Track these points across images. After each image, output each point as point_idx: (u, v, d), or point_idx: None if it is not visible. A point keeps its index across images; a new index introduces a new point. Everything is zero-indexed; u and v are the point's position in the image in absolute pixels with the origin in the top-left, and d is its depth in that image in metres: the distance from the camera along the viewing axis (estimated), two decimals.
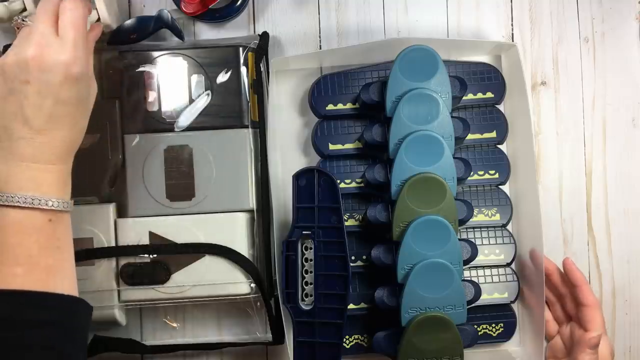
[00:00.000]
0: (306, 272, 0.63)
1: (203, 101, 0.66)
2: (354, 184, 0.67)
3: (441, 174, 0.60)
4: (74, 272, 0.51)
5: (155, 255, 0.64)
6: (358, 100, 0.66)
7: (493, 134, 0.68)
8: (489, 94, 0.68)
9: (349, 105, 0.67)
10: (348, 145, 0.67)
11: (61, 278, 0.49)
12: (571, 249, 0.70)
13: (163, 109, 0.66)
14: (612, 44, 0.70)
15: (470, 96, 0.67)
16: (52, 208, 0.48)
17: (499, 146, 0.68)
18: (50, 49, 0.47)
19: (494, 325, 0.67)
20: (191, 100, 0.66)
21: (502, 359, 0.68)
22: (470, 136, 0.67)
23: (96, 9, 0.63)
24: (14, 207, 0.46)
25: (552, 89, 0.70)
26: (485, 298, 0.66)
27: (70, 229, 0.51)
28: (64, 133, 0.49)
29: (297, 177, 0.63)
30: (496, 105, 0.68)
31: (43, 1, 0.50)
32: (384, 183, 0.62)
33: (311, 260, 0.63)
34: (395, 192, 0.61)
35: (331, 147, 0.67)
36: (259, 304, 0.67)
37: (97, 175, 0.66)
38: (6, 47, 0.67)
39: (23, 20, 0.55)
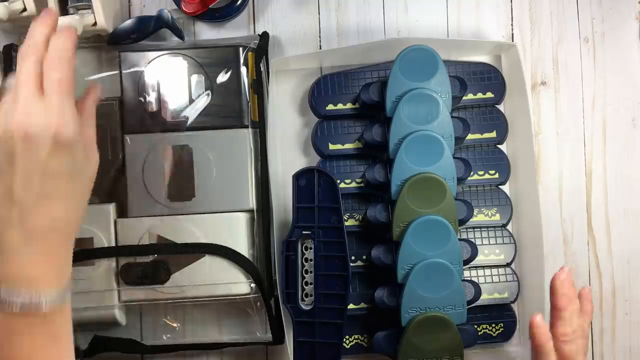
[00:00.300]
0: (306, 272, 0.63)
1: (203, 101, 0.66)
2: (354, 184, 0.67)
3: (441, 174, 0.60)
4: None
5: (155, 255, 0.64)
6: (358, 100, 0.66)
7: (493, 134, 0.68)
8: (489, 94, 0.68)
9: (349, 105, 0.67)
10: (348, 145, 0.67)
11: None
12: (571, 249, 0.70)
13: (163, 109, 0.66)
14: (612, 44, 0.70)
15: (470, 96, 0.67)
16: (47, 304, 0.41)
17: (499, 146, 0.68)
18: (35, 115, 0.40)
19: (494, 325, 0.67)
20: (191, 100, 0.66)
21: (502, 359, 0.68)
22: (470, 136, 0.67)
23: (93, 12, 0.63)
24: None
25: (552, 89, 0.70)
26: (485, 298, 0.66)
27: (69, 318, 0.44)
28: (58, 212, 0.42)
29: (297, 177, 0.63)
30: (496, 105, 0.68)
31: (23, 58, 0.42)
32: (384, 183, 0.62)
33: (311, 260, 0.63)
34: (395, 192, 0.61)
35: (331, 147, 0.67)
36: (259, 304, 0.67)
37: (97, 175, 0.66)
38: (6, 47, 0.67)
39: (4, 82, 0.45)
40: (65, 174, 0.42)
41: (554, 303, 0.55)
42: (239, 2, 0.70)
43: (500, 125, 0.68)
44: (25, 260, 0.41)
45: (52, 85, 0.41)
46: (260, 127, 0.66)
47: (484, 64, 0.68)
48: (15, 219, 0.41)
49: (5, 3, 0.63)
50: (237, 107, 0.66)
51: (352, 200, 0.67)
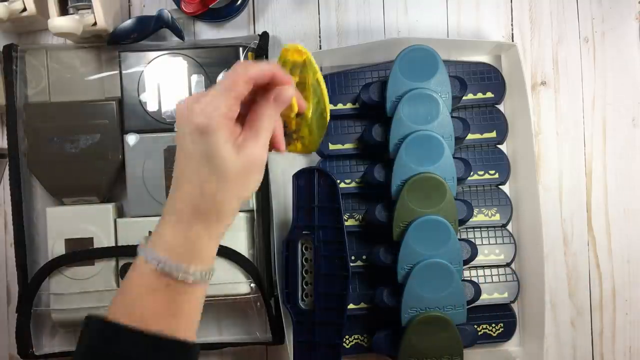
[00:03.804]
0: (306, 272, 0.63)
1: None
2: (354, 184, 0.67)
3: (441, 174, 0.60)
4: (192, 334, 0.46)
5: None
6: (358, 100, 0.66)
7: (493, 134, 0.68)
8: (489, 94, 0.68)
9: (349, 105, 0.67)
10: (348, 145, 0.67)
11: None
12: (571, 249, 0.70)
13: (163, 109, 0.66)
14: (612, 44, 0.70)
15: (470, 96, 0.67)
16: (166, 271, 0.43)
17: (499, 146, 0.68)
18: (187, 111, 0.45)
19: (494, 325, 0.67)
20: None
21: (502, 359, 0.68)
22: (470, 136, 0.67)
23: (93, 12, 0.63)
24: (146, 263, 0.44)
25: (552, 89, 0.70)
26: (485, 298, 0.66)
27: (198, 301, 0.46)
28: (187, 189, 0.44)
29: (297, 177, 0.63)
30: (496, 105, 0.68)
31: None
32: (384, 183, 0.62)
33: (311, 260, 0.63)
34: (395, 192, 0.61)
35: (331, 147, 0.67)
36: (259, 304, 0.67)
37: (97, 175, 0.66)
38: (6, 47, 0.67)
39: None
40: (196, 156, 0.44)
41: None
42: (239, 2, 0.70)
43: (500, 125, 0.68)
44: (165, 226, 0.45)
45: (218, 85, 0.44)
46: None
47: (484, 64, 0.68)
48: (170, 188, 0.46)
49: (5, 3, 0.63)
50: None
51: (352, 200, 0.67)
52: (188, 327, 0.46)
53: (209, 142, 0.44)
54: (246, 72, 0.44)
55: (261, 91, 0.46)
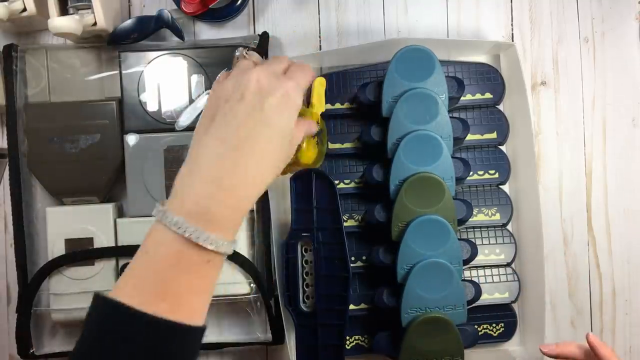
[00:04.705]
0: (307, 274, 0.63)
1: (203, 101, 0.66)
2: (353, 184, 0.67)
3: (440, 174, 0.60)
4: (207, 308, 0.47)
5: None
6: (355, 100, 0.66)
7: (494, 135, 0.68)
8: (488, 95, 0.67)
9: (347, 105, 0.67)
10: (347, 145, 0.67)
11: (199, 317, 0.45)
12: (571, 249, 0.70)
13: (163, 109, 0.66)
14: (612, 44, 0.70)
15: (469, 97, 0.67)
16: (214, 250, 0.42)
17: (499, 146, 0.68)
18: (273, 79, 0.46)
19: (494, 325, 0.67)
20: (191, 100, 0.66)
21: (502, 359, 0.68)
22: (471, 137, 0.67)
23: (93, 12, 0.64)
24: (181, 236, 0.42)
25: (552, 89, 0.70)
26: (486, 298, 0.66)
27: (219, 272, 0.46)
28: (252, 161, 0.44)
29: (295, 180, 0.63)
30: (496, 106, 0.68)
31: (277, 58, 0.50)
32: (383, 183, 0.62)
33: (311, 262, 0.63)
34: (393, 191, 0.61)
35: (330, 145, 0.67)
36: (259, 304, 0.67)
37: (97, 175, 0.66)
38: (6, 47, 0.67)
39: (245, 54, 0.51)
40: (276, 130, 0.45)
41: (601, 353, 0.55)
42: (239, 2, 0.70)
43: (502, 127, 0.68)
44: (216, 199, 0.43)
45: (294, 74, 0.48)
46: None
47: (484, 64, 0.68)
48: (220, 156, 0.44)
49: (5, 3, 0.63)
50: None
51: (351, 201, 0.67)
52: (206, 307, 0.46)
53: (290, 115, 0.46)
54: (310, 73, 0.49)
55: None
